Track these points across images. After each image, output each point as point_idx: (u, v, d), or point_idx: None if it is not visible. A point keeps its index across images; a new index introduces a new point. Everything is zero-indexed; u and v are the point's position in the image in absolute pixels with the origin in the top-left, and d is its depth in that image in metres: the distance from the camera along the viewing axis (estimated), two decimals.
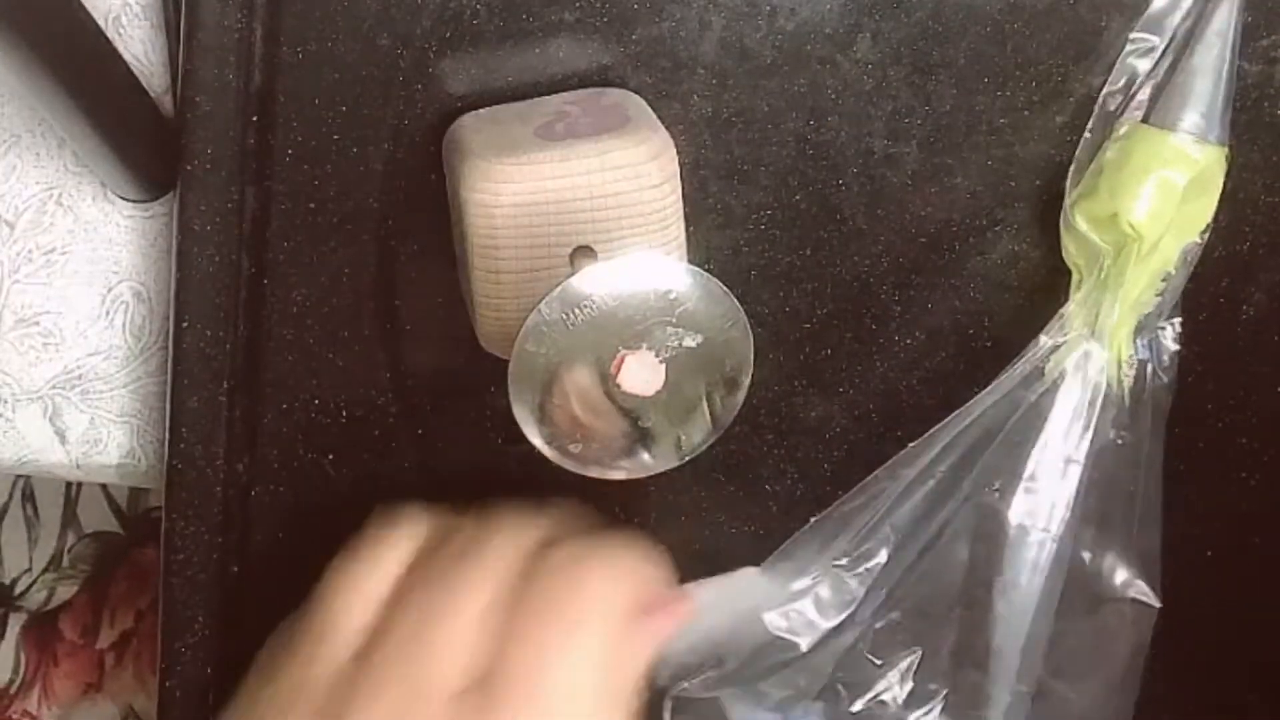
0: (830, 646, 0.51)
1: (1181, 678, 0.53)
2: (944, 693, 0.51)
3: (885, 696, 0.52)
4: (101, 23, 0.46)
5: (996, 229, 0.50)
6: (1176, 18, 0.47)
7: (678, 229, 0.46)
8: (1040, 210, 0.49)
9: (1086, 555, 0.50)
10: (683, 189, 0.46)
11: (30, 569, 0.80)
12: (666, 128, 0.46)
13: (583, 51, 0.49)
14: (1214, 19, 0.46)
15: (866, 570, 0.51)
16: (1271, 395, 0.51)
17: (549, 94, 0.48)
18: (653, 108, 0.47)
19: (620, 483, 0.44)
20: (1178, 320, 0.49)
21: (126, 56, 0.47)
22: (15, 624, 0.74)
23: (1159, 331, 0.49)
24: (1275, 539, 0.53)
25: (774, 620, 0.51)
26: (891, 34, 0.49)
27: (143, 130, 0.48)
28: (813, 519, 0.51)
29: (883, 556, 0.50)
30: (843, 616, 0.51)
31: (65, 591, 0.83)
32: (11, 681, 0.67)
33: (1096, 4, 0.48)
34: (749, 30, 0.49)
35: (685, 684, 0.51)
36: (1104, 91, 0.48)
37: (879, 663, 0.52)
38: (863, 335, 0.51)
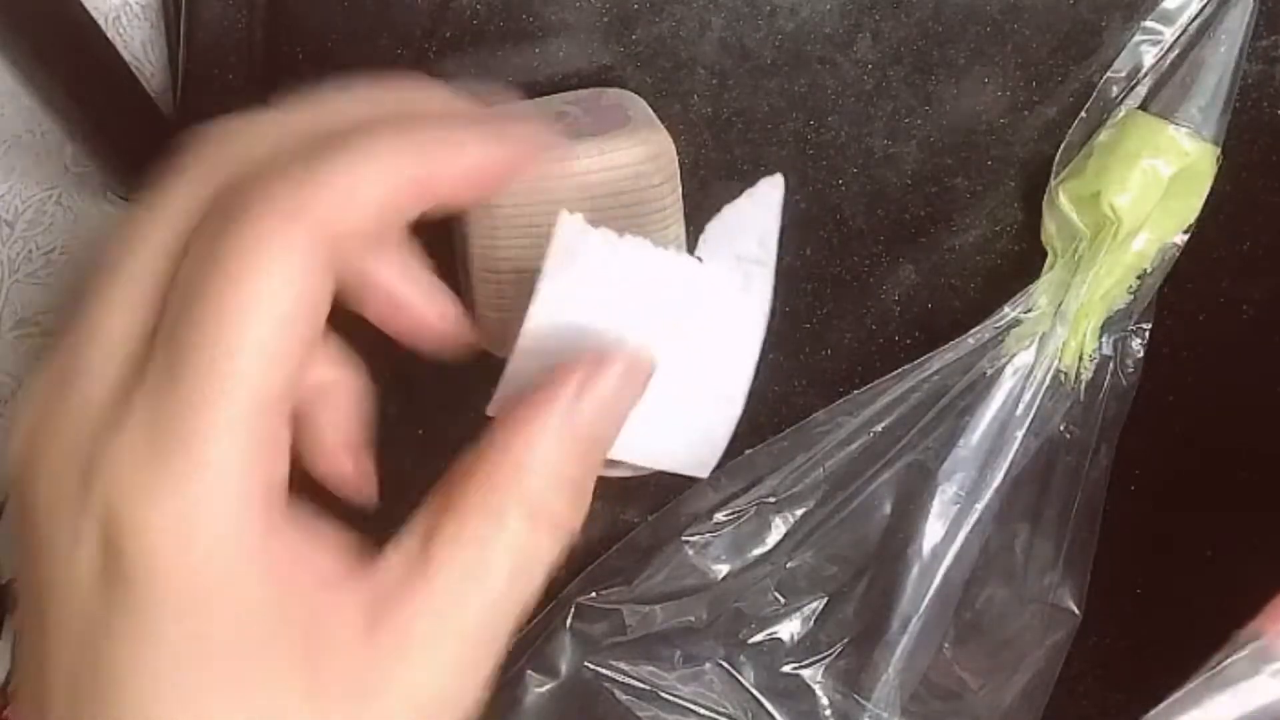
0: (741, 579, 0.51)
1: (1095, 692, 0.53)
2: (843, 641, 0.51)
3: (783, 635, 0.52)
4: (101, 23, 0.46)
5: (996, 229, 0.50)
6: (1190, 12, 0.47)
7: (678, 229, 0.46)
8: (1040, 211, 0.49)
9: (1018, 551, 0.50)
10: (682, 189, 0.46)
11: None
12: (666, 127, 0.46)
13: (583, 51, 0.49)
14: (1227, 18, 0.46)
15: (792, 512, 0.51)
16: (1271, 395, 0.51)
17: (549, 94, 0.48)
18: (653, 108, 0.47)
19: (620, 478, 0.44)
20: (1147, 326, 0.49)
21: (126, 56, 0.47)
22: (10, 627, 0.73)
23: (1128, 333, 0.49)
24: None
25: (693, 546, 0.51)
26: (891, 34, 0.48)
27: (143, 130, 0.48)
28: (747, 451, 0.51)
29: (811, 502, 0.50)
30: (760, 552, 0.51)
31: None
32: (8, 681, 0.66)
33: (1096, 3, 0.48)
34: (749, 30, 0.49)
35: (593, 593, 0.51)
36: (1105, 76, 0.48)
37: (784, 601, 0.52)
38: (862, 335, 0.51)
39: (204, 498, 0.28)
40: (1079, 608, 0.51)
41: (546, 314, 0.35)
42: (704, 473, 0.38)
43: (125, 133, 0.47)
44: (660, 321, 0.34)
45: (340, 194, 0.29)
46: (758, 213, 0.36)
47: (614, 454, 0.37)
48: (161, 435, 0.28)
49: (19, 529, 0.30)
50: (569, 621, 0.51)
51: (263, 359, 0.28)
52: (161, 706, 0.28)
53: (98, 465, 0.28)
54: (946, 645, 0.51)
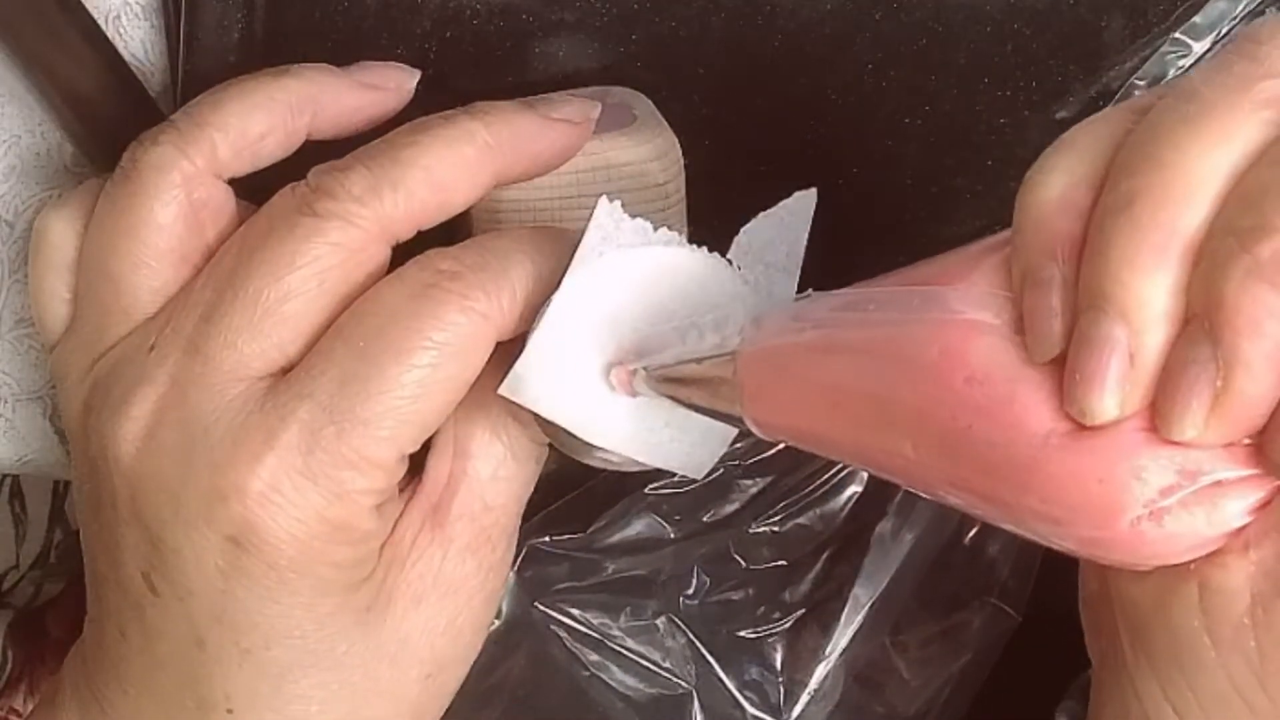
0: (701, 539, 0.51)
1: (1026, 692, 0.53)
2: (797, 614, 0.51)
3: (737, 599, 0.52)
4: (101, 23, 0.46)
5: (995, 229, 0.50)
6: (1220, 30, 0.48)
7: (680, 229, 0.46)
8: None
9: (966, 543, 0.50)
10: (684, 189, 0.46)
11: (18, 565, 0.80)
12: None
13: (583, 51, 0.49)
14: None
15: (761, 477, 0.51)
16: None
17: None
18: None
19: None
20: None
21: (126, 56, 0.47)
22: (2, 621, 0.73)
23: None
24: None
25: (654, 500, 0.51)
26: (891, 34, 0.49)
27: (143, 130, 0.48)
28: None
29: (780, 469, 0.50)
30: (723, 514, 0.51)
31: (52, 588, 0.83)
32: (7, 684, 0.66)
33: (1096, 4, 0.48)
34: (749, 30, 0.49)
35: (546, 537, 0.51)
36: (1129, 83, 0.49)
37: (743, 565, 0.51)
38: None
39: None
40: (1019, 611, 0.51)
41: (573, 296, 0.35)
42: (700, 474, 0.38)
43: (125, 132, 0.47)
44: (682, 317, 0.34)
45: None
46: (790, 223, 0.36)
47: (615, 447, 0.37)
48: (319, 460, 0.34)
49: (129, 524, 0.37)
50: (518, 564, 0.50)
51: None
52: None
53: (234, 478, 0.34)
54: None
